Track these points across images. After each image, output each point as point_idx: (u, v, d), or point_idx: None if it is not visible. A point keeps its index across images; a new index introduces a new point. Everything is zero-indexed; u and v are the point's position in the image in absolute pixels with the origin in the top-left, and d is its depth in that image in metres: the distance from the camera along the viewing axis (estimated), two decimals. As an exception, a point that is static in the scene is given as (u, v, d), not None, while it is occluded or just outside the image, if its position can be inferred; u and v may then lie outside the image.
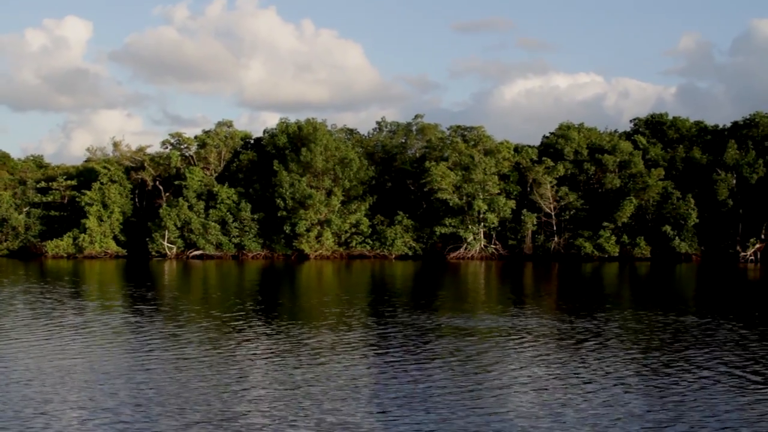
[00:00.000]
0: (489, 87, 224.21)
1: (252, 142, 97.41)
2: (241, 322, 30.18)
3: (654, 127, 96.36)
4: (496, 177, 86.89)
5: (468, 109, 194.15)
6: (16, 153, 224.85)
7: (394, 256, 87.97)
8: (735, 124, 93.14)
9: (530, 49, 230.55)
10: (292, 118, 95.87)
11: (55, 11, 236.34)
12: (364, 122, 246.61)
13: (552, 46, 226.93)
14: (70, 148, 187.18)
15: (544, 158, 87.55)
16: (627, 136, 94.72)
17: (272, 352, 23.43)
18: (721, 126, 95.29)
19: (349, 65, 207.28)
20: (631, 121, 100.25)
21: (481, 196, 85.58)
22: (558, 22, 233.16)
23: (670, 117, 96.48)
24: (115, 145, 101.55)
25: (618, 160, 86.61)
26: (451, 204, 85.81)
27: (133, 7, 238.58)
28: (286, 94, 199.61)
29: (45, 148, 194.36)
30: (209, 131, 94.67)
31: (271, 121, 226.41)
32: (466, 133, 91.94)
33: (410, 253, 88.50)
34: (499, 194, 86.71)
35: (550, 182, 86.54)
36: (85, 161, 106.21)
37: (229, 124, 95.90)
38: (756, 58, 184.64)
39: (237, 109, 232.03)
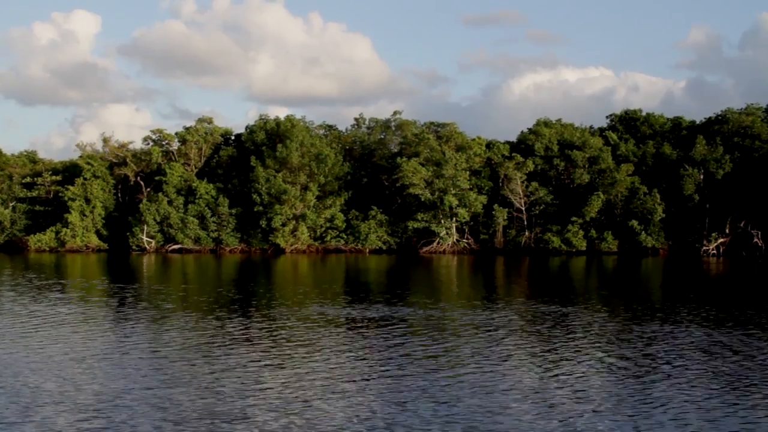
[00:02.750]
0: (498, 81, 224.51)
1: (233, 138, 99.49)
2: (213, 314, 30.70)
3: (628, 123, 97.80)
4: (467, 172, 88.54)
5: (477, 103, 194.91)
6: (25, 147, 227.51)
7: (368, 250, 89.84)
8: (708, 120, 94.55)
9: (540, 43, 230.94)
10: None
11: (63, 5, 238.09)
12: (372, 116, 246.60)
13: (562, 40, 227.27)
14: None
15: (513, 154, 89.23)
16: (601, 132, 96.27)
17: (246, 343, 23.88)
18: (698, 122, 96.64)
19: (358, 59, 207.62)
20: (607, 117, 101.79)
21: (452, 192, 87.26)
22: (568, 16, 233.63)
23: (644, 113, 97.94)
24: (105, 140, 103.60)
25: (587, 155, 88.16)
26: (422, 199, 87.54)
27: (141, 0, 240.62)
28: (295, 89, 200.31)
29: (54, 142, 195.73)
30: (189, 127, 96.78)
31: (279, 114, 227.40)
32: (439, 129, 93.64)
33: (384, 248, 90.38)
34: (470, 189, 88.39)
35: (521, 178, 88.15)
36: (80, 156, 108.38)
37: (210, 121, 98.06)
38: (765, 52, 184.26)
39: (245, 104, 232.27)
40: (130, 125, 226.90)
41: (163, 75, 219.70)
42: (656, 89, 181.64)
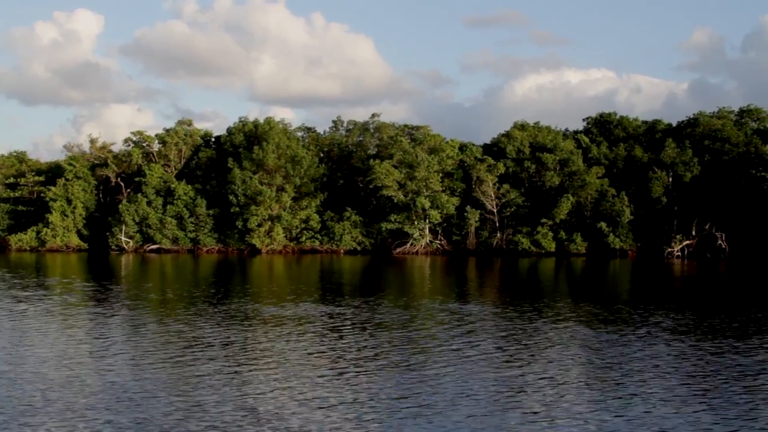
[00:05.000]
0: (501, 82, 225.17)
1: (213, 140, 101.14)
2: (186, 313, 31.72)
3: (602, 125, 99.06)
4: (438, 174, 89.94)
5: (479, 104, 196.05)
6: (27, 147, 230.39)
7: (342, 250, 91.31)
8: (680, 123, 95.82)
9: (543, 44, 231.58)
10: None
11: (65, 4, 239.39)
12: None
13: (564, 41, 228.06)
14: (80, 143, 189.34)
15: (485, 156, 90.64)
16: (576, 134, 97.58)
17: (208, 339, 24.80)
18: (675, 125, 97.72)
19: (361, 59, 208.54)
20: (583, 119, 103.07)
21: (425, 193, 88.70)
22: (571, 17, 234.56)
23: (618, 116, 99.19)
24: (92, 141, 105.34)
25: (558, 158, 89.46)
26: (395, 201, 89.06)
27: (145, 0, 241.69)
28: (297, 89, 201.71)
29: (56, 142, 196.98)
30: (169, 129, 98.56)
31: (281, 115, 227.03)
32: (413, 131, 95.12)
33: (359, 248, 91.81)
34: (442, 191, 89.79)
35: (492, 180, 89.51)
36: (69, 157, 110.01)
37: (189, 123, 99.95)
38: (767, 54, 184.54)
39: (248, 104, 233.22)
40: (132, 125, 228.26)
41: (166, 75, 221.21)
42: (658, 91, 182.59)
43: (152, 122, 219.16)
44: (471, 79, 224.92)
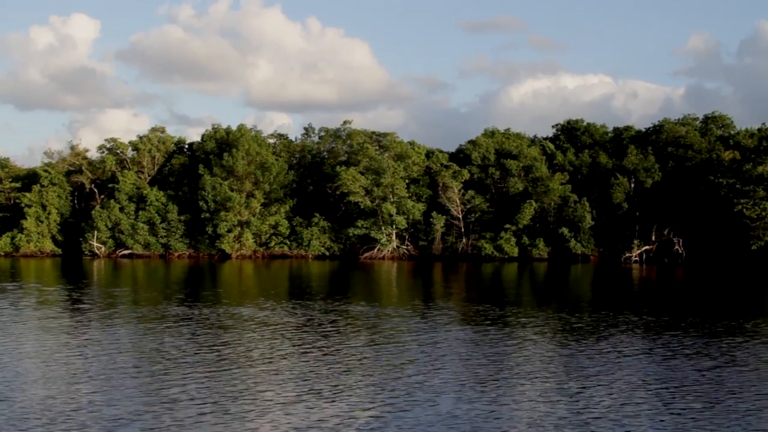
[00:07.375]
0: (498, 87, 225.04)
1: (186, 146, 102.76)
2: (153, 318, 32.60)
3: (570, 132, 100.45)
4: (404, 181, 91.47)
5: (475, 109, 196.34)
6: (22, 152, 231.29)
7: (311, 256, 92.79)
8: (647, 130, 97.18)
9: (540, 49, 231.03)
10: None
11: (61, 8, 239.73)
12: (372, 122, 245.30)
13: (562, 46, 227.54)
14: (61, 149, 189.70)
15: (450, 163, 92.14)
16: (543, 140, 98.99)
17: (187, 345, 25.57)
18: (644, 131, 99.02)
19: (357, 64, 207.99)
20: (552, 126, 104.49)
21: (391, 199, 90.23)
22: (568, 23, 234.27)
23: (585, 123, 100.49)
24: (73, 148, 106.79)
25: (522, 165, 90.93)
26: (362, 206, 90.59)
27: (140, 5, 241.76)
28: (293, 94, 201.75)
29: (51, 147, 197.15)
30: (143, 136, 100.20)
31: (278, 121, 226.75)
32: (380, 138, 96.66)
33: (327, 254, 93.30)
34: (408, 197, 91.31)
35: (457, 186, 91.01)
36: (45, 164, 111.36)
37: (162, 130, 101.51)
38: (763, 59, 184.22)
39: (244, 109, 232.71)
40: (128, 131, 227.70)
41: (162, 80, 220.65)
42: (655, 96, 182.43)
43: (148, 127, 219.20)
44: (467, 84, 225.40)
